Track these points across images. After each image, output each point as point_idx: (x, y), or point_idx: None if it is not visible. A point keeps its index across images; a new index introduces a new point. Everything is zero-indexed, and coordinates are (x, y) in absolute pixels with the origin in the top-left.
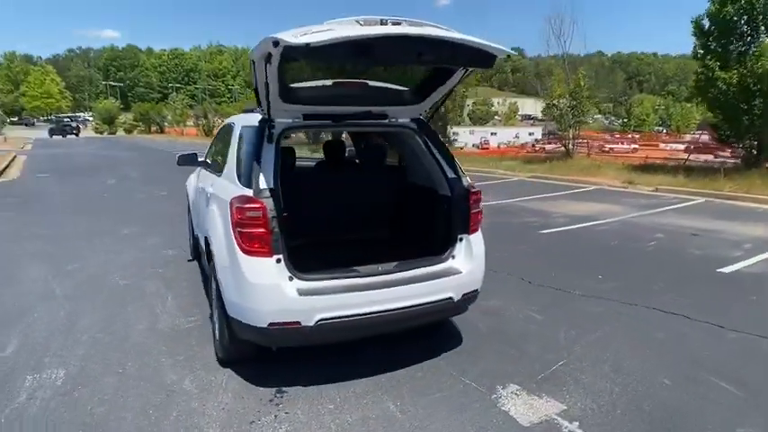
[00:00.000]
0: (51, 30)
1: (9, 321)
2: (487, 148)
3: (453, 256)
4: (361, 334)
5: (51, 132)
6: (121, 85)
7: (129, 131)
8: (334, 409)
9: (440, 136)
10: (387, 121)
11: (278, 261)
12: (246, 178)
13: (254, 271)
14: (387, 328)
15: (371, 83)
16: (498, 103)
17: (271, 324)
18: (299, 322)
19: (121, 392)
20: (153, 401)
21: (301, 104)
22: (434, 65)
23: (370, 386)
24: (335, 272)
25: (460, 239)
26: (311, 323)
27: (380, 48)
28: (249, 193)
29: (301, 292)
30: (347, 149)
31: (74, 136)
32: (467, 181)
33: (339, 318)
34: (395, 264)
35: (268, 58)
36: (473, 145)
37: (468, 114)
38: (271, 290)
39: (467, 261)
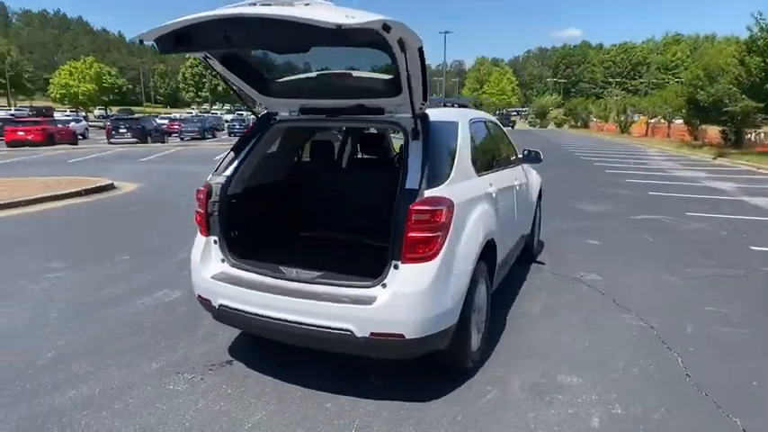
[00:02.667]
0: (521, 32)
1: None
2: None
3: (384, 285)
4: (262, 334)
5: None
6: (565, 81)
7: (559, 125)
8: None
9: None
10: (384, 116)
11: (215, 242)
12: (218, 164)
13: (195, 246)
14: (284, 339)
15: (356, 73)
16: None
17: (198, 296)
18: (209, 300)
19: None
20: None
21: (289, 98)
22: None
23: None
24: (260, 267)
25: (395, 267)
26: (216, 305)
27: (244, 29)
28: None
29: (214, 276)
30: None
31: (510, 128)
32: (422, 194)
33: (235, 309)
34: (319, 274)
35: (205, 56)
36: None
37: None
38: (195, 266)
39: (389, 294)
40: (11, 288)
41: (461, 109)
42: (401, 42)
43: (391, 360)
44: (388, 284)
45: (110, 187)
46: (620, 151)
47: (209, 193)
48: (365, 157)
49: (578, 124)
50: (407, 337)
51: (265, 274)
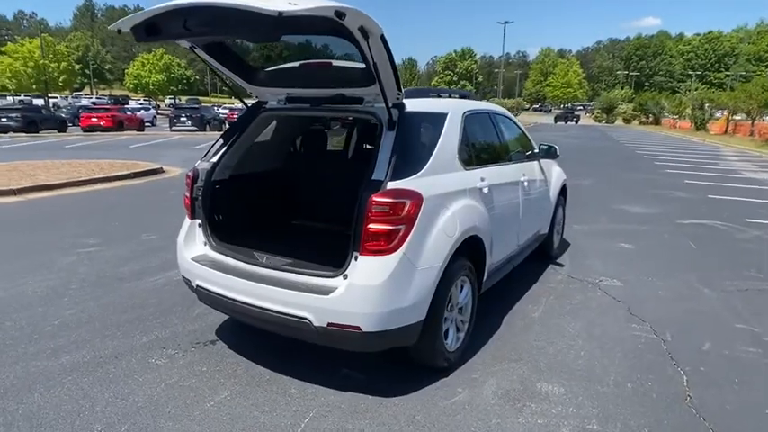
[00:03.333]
0: (591, 22)
1: None
2: None
3: (345, 276)
4: (235, 316)
5: (556, 119)
6: (638, 74)
7: (627, 121)
8: None
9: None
10: (362, 106)
11: (198, 226)
12: (208, 150)
13: (181, 228)
14: (253, 322)
15: (336, 62)
16: None
17: (182, 276)
18: (189, 281)
19: None
20: None
21: (276, 87)
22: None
23: None
24: (236, 251)
25: (355, 258)
26: (194, 285)
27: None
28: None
29: (195, 258)
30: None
31: (573, 123)
32: (385, 186)
33: (210, 291)
34: (288, 261)
35: (190, 46)
36: None
37: None
38: (180, 247)
39: (346, 285)
40: (44, 260)
41: (459, 100)
42: (363, 30)
43: (371, 355)
44: (349, 275)
45: (158, 171)
46: (689, 150)
47: (194, 178)
48: (368, 147)
49: (649, 120)
50: (363, 330)
51: (239, 259)
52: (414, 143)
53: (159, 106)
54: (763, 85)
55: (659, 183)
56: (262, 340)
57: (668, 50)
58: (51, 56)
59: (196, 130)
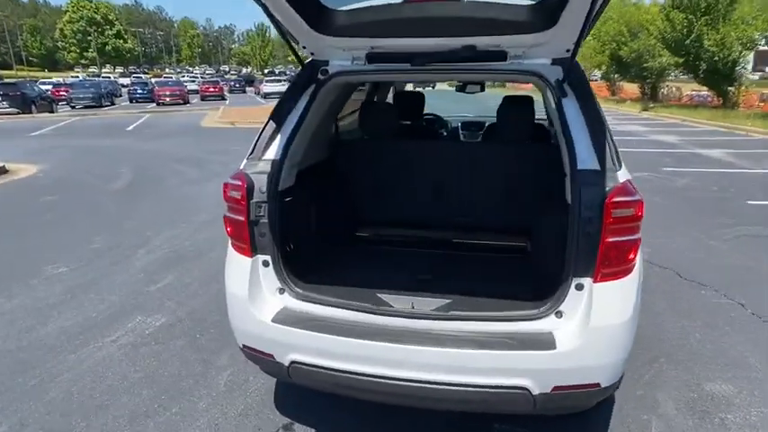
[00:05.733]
0: None
1: None
2: None
3: (559, 313)
4: (367, 398)
5: None
6: None
7: None
8: None
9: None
10: (507, 62)
11: (264, 265)
12: (255, 142)
13: (232, 273)
14: (402, 402)
15: None
16: None
17: (252, 350)
18: (272, 356)
19: None
20: None
21: (354, 36)
22: None
23: None
24: (345, 297)
25: (578, 287)
26: (284, 362)
27: None
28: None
29: (277, 318)
30: None
31: None
32: (615, 178)
33: (315, 367)
34: (447, 300)
35: None
36: None
37: None
38: (241, 304)
39: (576, 330)
40: None
41: None
42: None
43: None
44: (568, 312)
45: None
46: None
47: (250, 190)
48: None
49: None
50: (603, 386)
51: (360, 309)
52: (599, 113)
53: None
54: (595, 47)
55: None
56: (353, 405)
57: None
58: None
59: (19, 113)
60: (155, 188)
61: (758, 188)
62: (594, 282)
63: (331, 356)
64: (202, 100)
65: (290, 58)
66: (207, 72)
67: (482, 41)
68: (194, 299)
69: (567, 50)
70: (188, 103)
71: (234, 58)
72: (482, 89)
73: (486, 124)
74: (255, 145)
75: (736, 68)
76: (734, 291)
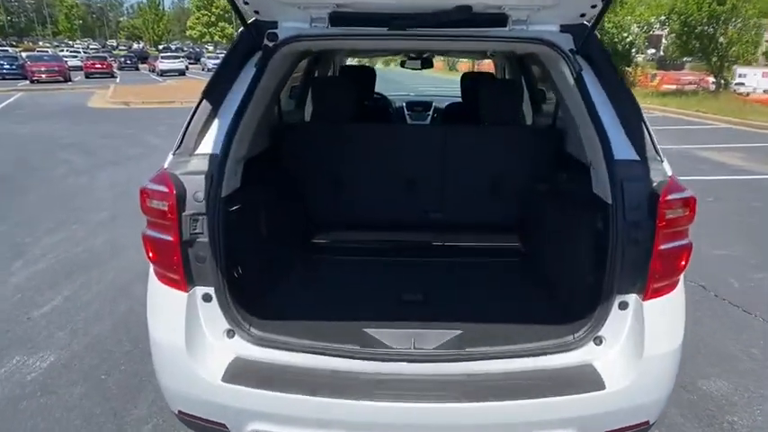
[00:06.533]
0: None
1: None
2: None
3: (598, 339)
4: None
5: None
6: None
7: None
8: None
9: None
10: (507, 29)
11: (205, 299)
12: (183, 131)
13: (157, 313)
14: None
15: None
16: None
17: (188, 416)
18: (224, 425)
19: None
20: None
21: None
22: None
23: None
24: (318, 337)
25: (621, 305)
26: None
27: None
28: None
29: (226, 376)
30: None
31: None
32: (662, 171)
33: None
34: (456, 332)
35: None
36: (764, 91)
37: (765, 52)
38: (177, 357)
39: (623, 360)
40: None
41: None
42: None
43: None
44: (609, 338)
45: None
46: None
47: (180, 198)
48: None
49: None
50: (651, 422)
51: (342, 354)
52: (630, 93)
53: None
54: None
55: None
56: None
57: None
58: None
59: None
60: (35, 181)
61: None
62: (644, 299)
63: (308, 425)
64: (87, 77)
65: (187, 33)
66: (91, 47)
67: (479, 1)
68: (95, 324)
69: (582, 15)
70: (69, 80)
71: (123, 32)
72: (429, 65)
73: (434, 104)
74: (184, 135)
75: (632, 50)
76: None
